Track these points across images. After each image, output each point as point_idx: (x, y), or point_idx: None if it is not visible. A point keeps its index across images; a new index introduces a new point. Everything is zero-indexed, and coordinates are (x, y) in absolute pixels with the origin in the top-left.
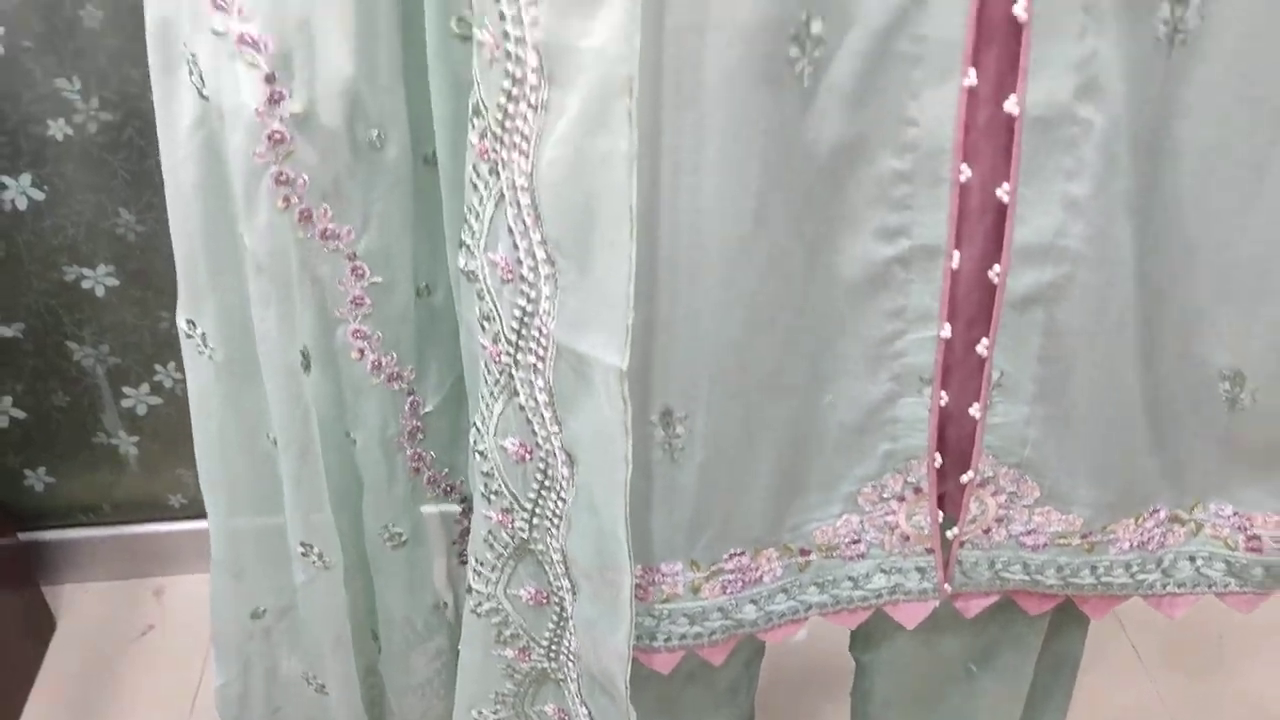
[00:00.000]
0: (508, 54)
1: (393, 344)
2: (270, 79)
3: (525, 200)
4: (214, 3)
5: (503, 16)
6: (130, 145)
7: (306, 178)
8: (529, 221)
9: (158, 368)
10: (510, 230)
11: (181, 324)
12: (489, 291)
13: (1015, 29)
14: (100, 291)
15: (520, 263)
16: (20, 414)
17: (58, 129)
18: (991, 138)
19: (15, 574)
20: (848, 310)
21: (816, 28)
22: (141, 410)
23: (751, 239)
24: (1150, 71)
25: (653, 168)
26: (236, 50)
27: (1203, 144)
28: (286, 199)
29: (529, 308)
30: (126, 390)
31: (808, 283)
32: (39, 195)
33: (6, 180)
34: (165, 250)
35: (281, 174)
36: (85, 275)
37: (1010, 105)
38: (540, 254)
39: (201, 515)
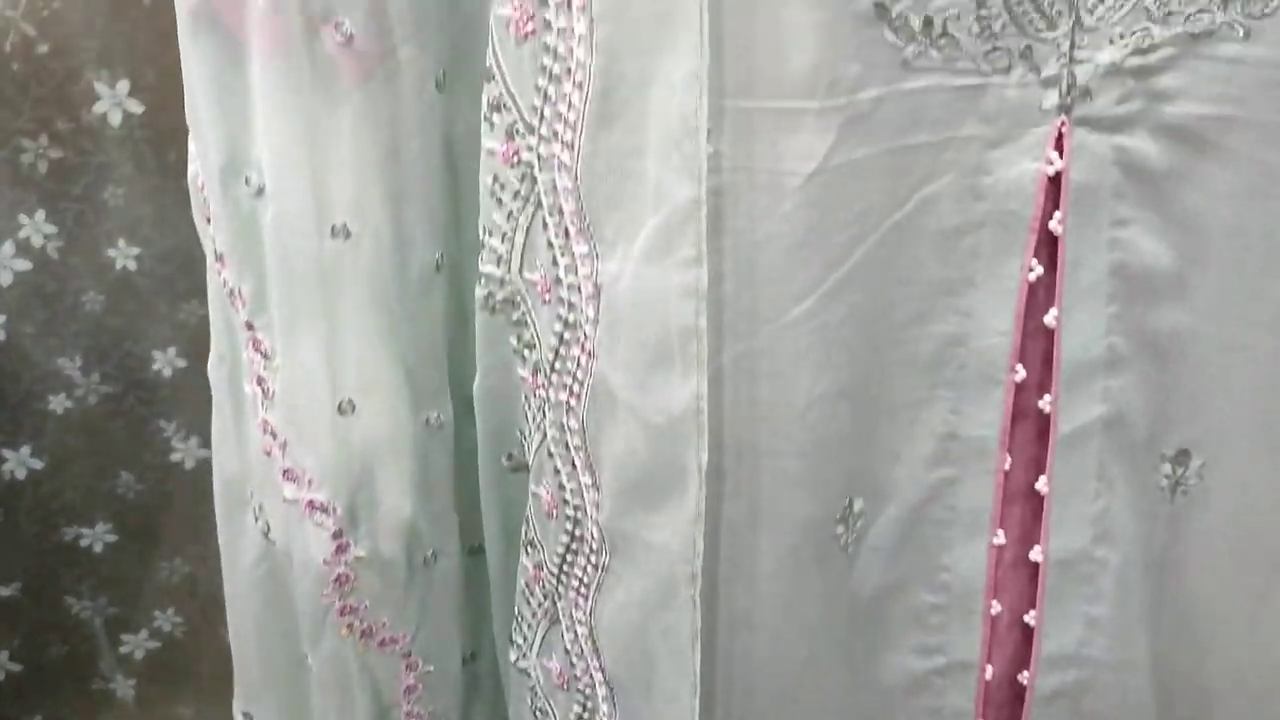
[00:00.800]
0: (567, 516)
1: (442, 716)
2: (338, 534)
3: (583, 632)
4: (284, 473)
5: (562, 487)
6: (131, 413)
7: (368, 604)
8: (585, 649)
9: (157, 614)
10: (566, 650)
11: (238, 717)
12: (543, 693)
13: (1036, 496)
14: (99, 548)
15: (577, 678)
16: (16, 667)
17: (58, 403)
18: (1017, 575)
19: None
20: (889, 708)
21: (858, 506)
22: (140, 654)
23: (801, 671)
24: (1156, 515)
25: (709, 627)
26: (305, 514)
27: (1208, 573)
28: (350, 626)
29: (586, 717)
30: (125, 637)
31: (852, 688)
32: (38, 465)
33: (6, 453)
34: (166, 505)
35: (345, 606)
36: (84, 534)
37: (1035, 554)
38: (598, 676)
39: None
